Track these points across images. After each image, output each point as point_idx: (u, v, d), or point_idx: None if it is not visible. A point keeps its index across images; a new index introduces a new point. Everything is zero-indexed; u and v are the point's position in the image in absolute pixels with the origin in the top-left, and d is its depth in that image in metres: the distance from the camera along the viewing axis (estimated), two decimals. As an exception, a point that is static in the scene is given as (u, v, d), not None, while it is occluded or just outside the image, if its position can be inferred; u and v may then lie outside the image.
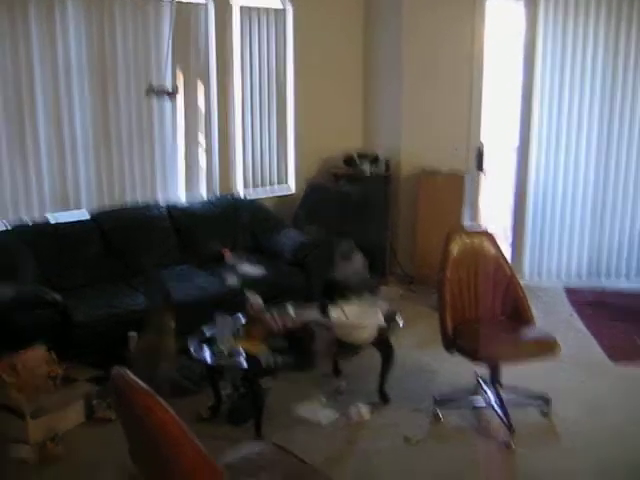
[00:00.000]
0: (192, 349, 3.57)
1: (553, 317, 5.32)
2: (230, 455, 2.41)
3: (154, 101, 5.31)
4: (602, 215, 6.23)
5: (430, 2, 6.07)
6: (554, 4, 5.90)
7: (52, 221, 4.86)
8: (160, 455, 1.84)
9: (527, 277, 6.33)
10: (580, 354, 4.65)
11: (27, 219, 4.77)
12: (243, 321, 3.75)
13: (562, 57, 5.98)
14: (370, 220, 6.06)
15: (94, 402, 3.71)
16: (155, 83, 5.12)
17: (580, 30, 5.91)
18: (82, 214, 5.03)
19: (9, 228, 4.61)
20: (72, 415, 3.62)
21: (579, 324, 5.31)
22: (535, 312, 3.98)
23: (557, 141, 6.14)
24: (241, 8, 5.78)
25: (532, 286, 5.97)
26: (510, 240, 6.48)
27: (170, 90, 5.13)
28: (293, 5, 6.06)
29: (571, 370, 4.37)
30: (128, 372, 1.91)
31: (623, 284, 6.22)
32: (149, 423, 1.78)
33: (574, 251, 6.34)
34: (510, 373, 3.88)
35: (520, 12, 6.01)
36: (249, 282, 4.73)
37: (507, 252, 6.29)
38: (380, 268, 6.17)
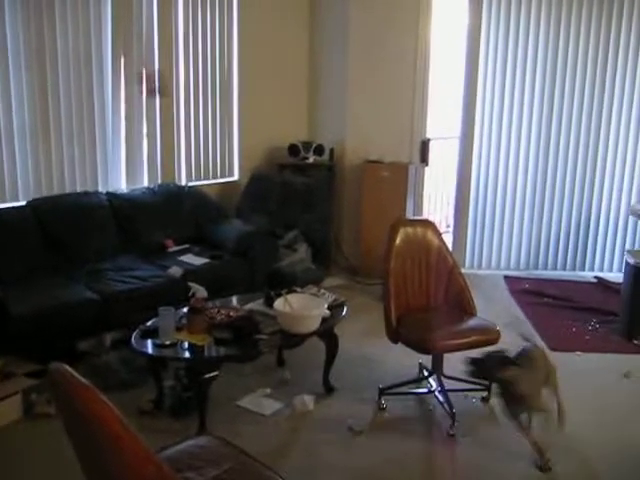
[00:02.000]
0: (134, 341, 3.49)
1: (495, 305, 5.43)
2: (173, 449, 2.37)
3: (94, 88, 5.17)
4: (540, 208, 6.38)
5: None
6: (497, -3, 6.00)
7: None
8: (101, 450, 1.79)
9: (467, 266, 6.44)
10: (519, 342, 4.73)
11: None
12: (186, 312, 3.68)
13: (504, 49, 6.10)
14: (314, 210, 6.05)
15: (33, 397, 3.60)
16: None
17: (522, 21, 6.03)
18: (18, 203, 4.87)
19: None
20: (9, 410, 3.50)
21: (518, 312, 5.42)
22: (477, 300, 4.04)
23: (498, 133, 6.26)
24: (187, -10, 5.68)
25: (472, 274, 6.08)
26: (452, 229, 6.59)
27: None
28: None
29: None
30: (66, 367, 1.84)
31: (559, 275, 6.40)
32: (88, 418, 1.73)
33: (513, 242, 6.48)
34: (453, 362, 3.95)
35: (464, 5, 6.07)
36: (192, 272, 4.68)
37: (449, 242, 6.42)
38: (325, 259, 6.18)
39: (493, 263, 6.55)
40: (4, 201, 4.83)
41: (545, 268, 6.50)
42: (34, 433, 3.45)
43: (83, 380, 1.77)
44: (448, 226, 7.16)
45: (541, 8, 5.97)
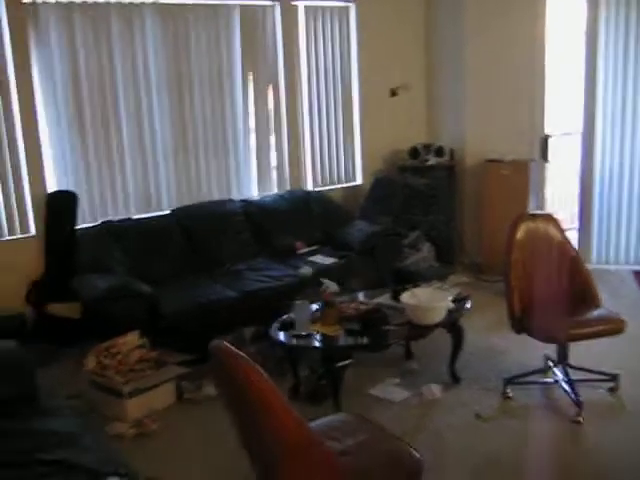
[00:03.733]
0: (273, 332, 3.81)
1: (621, 299, 5.36)
2: (314, 423, 2.64)
3: (226, 105, 5.61)
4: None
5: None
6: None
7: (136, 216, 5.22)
8: (257, 416, 2.07)
9: (595, 261, 6.36)
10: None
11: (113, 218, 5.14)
12: (319, 306, 3.97)
13: (625, 44, 5.97)
14: (437, 210, 6.22)
15: (183, 384, 4.01)
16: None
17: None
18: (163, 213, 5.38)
19: (97, 224, 4.98)
20: (164, 395, 3.92)
21: (647, 306, 5.34)
22: (603, 295, 4.07)
23: (622, 126, 6.13)
24: (305, 8, 6.02)
25: (600, 270, 6.02)
26: (577, 226, 6.52)
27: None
28: (356, 2, 6.26)
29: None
30: (225, 342, 2.15)
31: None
32: (247, 386, 2.01)
33: (643, 235, 6.33)
34: (580, 353, 4.01)
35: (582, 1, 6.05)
36: (322, 271, 4.97)
37: (574, 238, 6.38)
38: (448, 257, 6.32)
39: (622, 258, 6.42)
40: (150, 211, 5.35)
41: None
42: (187, 416, 3.85)
43: (241, 353, 2.07)
44: (574, 223, 7.08)
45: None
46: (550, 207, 6.88)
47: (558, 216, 6.65)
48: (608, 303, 4.11)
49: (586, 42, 6.08)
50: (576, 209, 6.57)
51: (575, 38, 6.28)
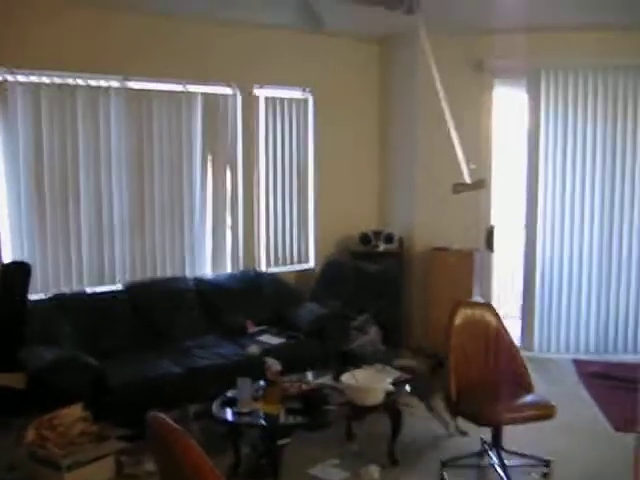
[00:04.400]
0: (215, 409, 3.88)
1: (559, 387, 5.54)
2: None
3: (184, 184, 5.81)
4: (607, 289, 6.51)
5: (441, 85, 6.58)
6: (554, 89, 6.37)
7: (88, 291, 5.29)
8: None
9: (537, 349, 6.58)
10: (583, 422, 4.86)
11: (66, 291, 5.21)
12: (262, 385, 4.06)
13: (564, 137, 6.40)
14: (385, 295, 6.40)
15: (123, 458, 4.01)
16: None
17: (579, 110, 6.35)
18: (116, 287, 5.47)
19: (49, 297, 5.04)
20: (104, 470, 3.92)
21: (584, 394, 5.52)
22: (542, 382, 4.26)
23: (561, 219, 6.49)
24: (266, 99, 6.33)
25: (541, 358, 6.26)
26: (520, 314, 6.77)
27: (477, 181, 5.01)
28: (313, 95, 6.61)
29: (574, 437, 4.57)
30: (162, 414, 2.24)
31: (630, 357, 6.44)
32: (185, 463, 2.09)
33: (582, 325, 6.59)
34: (516, 437, 4.15)
35: (524, 97, 6.48)
36: (269, 351, 5.06)
37: (517, 326, 6.61)
38: (395, 341, 6.46)
39: (562, 347, 6.65)
40: (103, 284, 5.44)
41: (615, 351, 6.55)
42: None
43: (177, 425, 2.16)
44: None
45: (597, 97, 6.30)
46: (496, 295, 7.14)
47: (502, 305, 6.96)
48: (546, 390, 4.30)
49: (528, 139, 6.49)
50: (518, 297, 6.83)
51: (519, 133, 6.69)
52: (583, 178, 6.43)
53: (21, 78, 5.01)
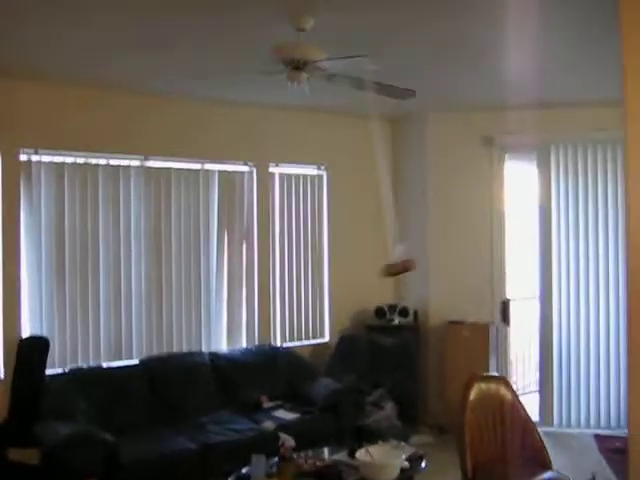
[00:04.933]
0: (229, 486, 3.85)
1: (580, 463, 5.41)
2: None
3: (201, 259, 5.92)
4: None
5: (452, 162, 6.71)
6: (564, 163, 6.47)
7: (105, 366, 5.34)
8: None
9: (556, 424, 6.46)
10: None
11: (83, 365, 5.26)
12: (276, 461, 4.03)
13: (575, 210, 6.44)
14: (400, 369, 6.37)
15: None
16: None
17: (589, 183, 6.42)
18: (132, 361, 5.51)
19: (66, 371, 5.09)
20: None
21: (607, 470, 5.39)
22: (562, 458, 4.20)
23: (576, 291, 6.46)
24: (280, 175, 6.50)
25: (561, 433, 6.14)
26: (538, 388, 6.68)
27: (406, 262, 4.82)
28: (327, 171, 6.78)
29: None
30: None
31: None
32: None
33: (602, 399, 6.47)
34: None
35: (534, 171, 6.59)
36: (284, 426, 5.03)
37: (535, 400, 6.53)
38: (411, 416, 6.39)
39: (582, 421, 6.52)
40: (120, 359, 5.49)
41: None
42: None
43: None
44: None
45: (606, 168, 6.39)
46: (512, 369, 7.08)
47: (520, 378, 6.89)
48: (566, 466, 4.22)
49: (539, 211, 6.56)
50: (535, 371, 6.76)
51: (531, 205, 6.76)
52: (596, 249, 6.45)
53: (45, 158, 5.21)
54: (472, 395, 4.19)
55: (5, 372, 5.02)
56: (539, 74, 5.16)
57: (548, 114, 6.15)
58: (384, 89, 4.21)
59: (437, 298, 6.75)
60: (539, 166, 6.56)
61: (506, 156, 6.69)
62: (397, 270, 4.80)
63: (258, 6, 3.61)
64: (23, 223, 5.15)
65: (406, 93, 4.14)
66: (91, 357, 5.39)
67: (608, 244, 6.42)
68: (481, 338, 6.29)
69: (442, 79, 5.17)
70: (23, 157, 5.13)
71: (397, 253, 4.84)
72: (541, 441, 4.16)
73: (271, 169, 6.40)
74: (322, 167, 6.75)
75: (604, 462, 5.63)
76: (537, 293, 6.64)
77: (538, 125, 6.30)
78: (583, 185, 6.47)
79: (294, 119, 6.43)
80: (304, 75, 3.74)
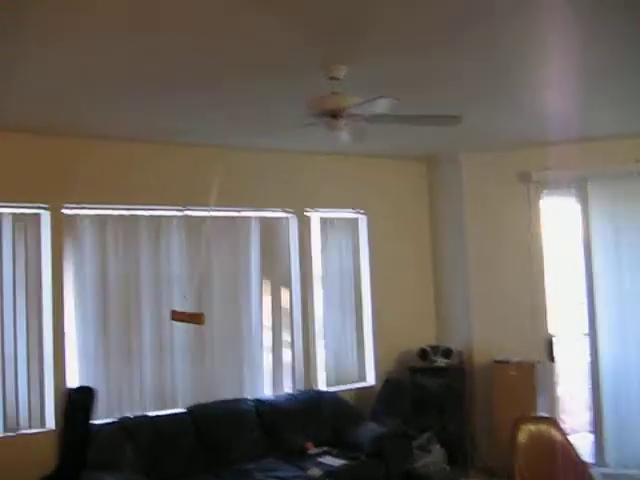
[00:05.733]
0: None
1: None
2: None
3: (242, 306, 5.96)
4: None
5: (489, 201, 6.69)
6: (602, 196, 6.39)
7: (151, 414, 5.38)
8: None
9: (612, 465, 6.24)
10: None
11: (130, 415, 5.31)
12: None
13: (617, 244, 6.34)
14: (447, 411, 6.29)
15: None
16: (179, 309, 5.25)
17: (631, 216, 6.32)
18: (178, 410, 5.55)
19: (113, 421, 5.15)
20: None
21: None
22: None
23: (624, 325, 6.32)
24: (320, 219, 6.56)
25: (618, 474, 5.95)
26: (590, 428, 6.50)
27: (193, 314, 5.11)
28: (365, 214, 6.81)
29: None
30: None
31: None
32: None
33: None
34: None
35: (573, 204, 6.52)
36: (331, 473, 4.99)
37: (588, 440, 6.34)
38: (460, 460, 6.27)
39: None
40: (165, 408, 5.52)
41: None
42: None
43: None
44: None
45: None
46: (562, 408, 6.91)
47: (570, 417, 6.71)
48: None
49: (582, 245, 6.46)
50: (587, 410, 6.58)
51: (572, 240, 6.67)
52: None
53: (89, 212, 5.35)
54: (521, 437, 4.11)
55: (55, 422, 5.09)
56: (577, 108, 5.15)
57: (585, 147, 6.12)
58: (427, 119, 4.25)
59: (480, 337, 6.66)
60: (578, 200, 6.49)
61: (544, 191, 6.65)
62: (182, 318, 5.01)
63: (291, 59, 3.70)
64: (69, 275, 5.28)
65: (451, 119, 4.14)
66: (137, 406, 5.43)
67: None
68: (528, 377, 6.18)
69: (477, 117, 5.19)
70: (68, 212, 5.27)
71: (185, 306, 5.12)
72: (595, 484, 4.04)
73: (309, 214, 6.46)
74: (360, 210, 6.79)
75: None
76: (584, 329, 6.51)
77: (575, 159, 6.27)
78: (625, 217, 6.37)
79: (331, 164, 6.50)
80: (342, 122, 3.79)
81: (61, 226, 5.24)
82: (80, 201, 5.30)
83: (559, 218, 6.86)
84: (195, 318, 5.00)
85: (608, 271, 6.40)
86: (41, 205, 5.18)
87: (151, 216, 5.64)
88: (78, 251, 5.32)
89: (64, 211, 5.26)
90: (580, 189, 6.48)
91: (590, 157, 6.26)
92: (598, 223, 6.43)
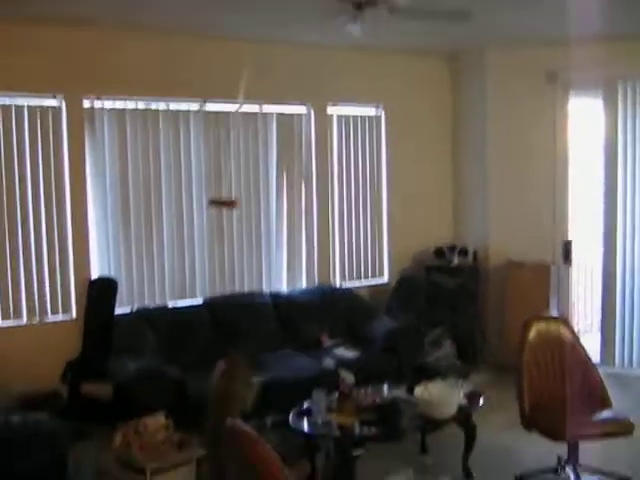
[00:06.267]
0: (291, 419, 4.00)
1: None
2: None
3: (261, 201, 6.00)
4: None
5: (514, 100, 6.54)
6: (632, 99, 6.23)
7: (170, 306, 5.53)
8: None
9: (618, 365, 6.40)
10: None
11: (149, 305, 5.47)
12: (337, 397, 4.15)
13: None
14: (460, 309, 6.41)
15: (204, 465, 4.17)
16: (215, 195, 5.64)
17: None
18: (196, 300, 5.70)
19: (134, 311, 5.30)
20: (185, 476, 4.08)
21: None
22: (622, 398, 4.20)
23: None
24: (338, 117, 6.47)
25: (623, 374, 6.11)
26: (600, 328, 6.62)
27: (229, 200, 5.57)
28: (385, 111, 6.71)
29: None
30: (238, 421, 2.37)
31: None
32: (262, 471, 2.20)
33: (666, 340, 6.38)
34: (592, 454, 4.10)
35: (599, 107, 6.37)
36: (344, 364, 5.14)
37: (596, 341, 6.47)
38: (471, 356, 6.44)
39: (646, 361, 6.45)
40: (184, 298, 5.67)
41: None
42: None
43: (251, 430, 2.28)
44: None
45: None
46: (574, 310, 7.01)
47: (582, 319, 6.82)
48: (626, 407, 4.23)
49: (605, 149, 6.37)
50: (598, 312, 6.68)
51: (595, 143, 6.57)
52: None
53: (107, 104, 5.32)
54: (532, 335, 4.20)
55: (77, 312, 5.25)
56: (607, 3, 4.93)
57: (615, 47, 5.90)
58: (435, 14, 4.12)
59: (497, 238, 6.69)
60: (605, 102, 6.33)
61: (571, 92, 6.48)
62: (218, 202, 5.38)
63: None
64: (89, 167, 5.31)
65: (460, 15, 4.01)
66: (157, 296, 5.58)
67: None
68: (542, 279, 6.24)
69: (504, 10, 4.99)
70: (86, 103, 5.24)
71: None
72: (601, 381, 4.15)
73: (329, 110, 6.37)
74: (380, 106, 6.68)
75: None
76: (601, 234, 6.51)
77: (605, 59, 6.06)
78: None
79: (351, 59, 6.34)
80: (365, 13, 3.69)
81: (79, 118, 5.23)
82: (100, 93, 5.25)
83: (586, 121, 6.72)
84: (230, 204, 5.34)
85: (630, 176, 6.32)
86: (59, 96, 5.14)
87: (170, 110, 5.59)
88: (97, 144, 5.32)
89: (82, 103, 5.22)
90: (608, 90, 6.30)
91: (619, 57, 6.05)
92: (625, 127, 6.29)
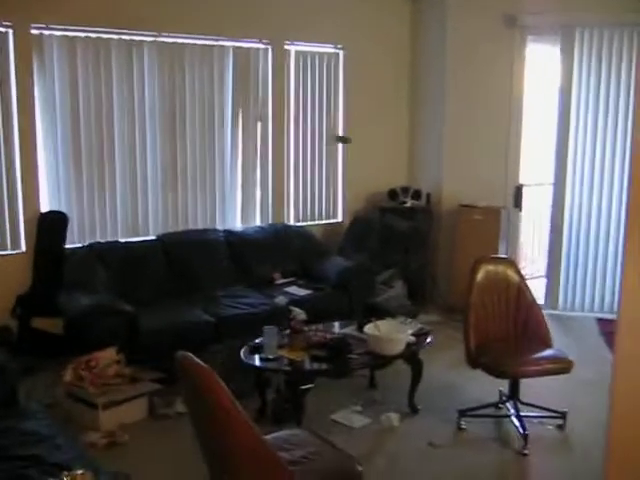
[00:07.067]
0: (243, 355, 4.06)
1: (581, 344, 5.63)
2: (271, 436, 2.87)
3: (215, 138, 5.93)
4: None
5: (472, 43, 6.54)
6: (588, 47, 6.29)
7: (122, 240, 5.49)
8: (213, 420, 2.31)
9: (561, 308, 6.63)
10: (602, 378, 4.91)
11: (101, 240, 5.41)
12: (288, 333, 4.22)
13: (596, 97, 6.33)
14: (412, 250, 6.50)
15: (155, 399, 4.23)
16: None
17: (613, 69, 6.26)
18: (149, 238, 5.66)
19: (85, 245, 5.25)
20: (137, 410, 4.14)
21: (606, 352, 5.59)
22: (563, 339, 4.37)
23: (591, 178, 6.46)
24: (296, 52, 6.38)
25: (565, 316, 6.34)
26: (545, 272, 6.82)
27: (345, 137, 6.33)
28: (344, 49, 6.64)
29: (591, 392, 4.66)
30: (189, 354, 2.40)
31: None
32: (205, 390, 2.26)
33: (607, 284, 6.60)
34: (532, 391, 4.28)
35: (556, 54, 6.41)
36: (296, 302, 5.21)
37: (542, 285, 6.68)
38: (420, 296, 6.58)
39: (587, 305, 6.69)
40: (137, 235, 5.62)
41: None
42: (157, 430, 4.07)
43: (202, 363, 2.31)
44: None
45: (632, 56, 6.21)
46: (522, 254, 7.19)
47: (529, 264, 6.99)
48: (567, 346, 4.41)
49: (559, 96, 6.44)
50: (544, 256, 6.87)
51: (550, 91, 6.64)
52: (614, 137, 6.37)
53: (57, 33, 5.13)
54: (479, 276, 4.30)
55: (27, 245, 5.17)
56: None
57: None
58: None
59: (450, 182, 6.77)
60: (562, 49, 6.37)
61: (529, 38, 6.50)
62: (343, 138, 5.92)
63: None
64: (38, 99, 5.14)
65: None
66: (109, 233, 5.52)
67: (626, 133, 6.33)
68: (492, 222, 6.36)
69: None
70: (35, 32, 5.04)
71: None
72: (544, 322, 4.30)
73: (287, 47, 6.27)
74: (339, 46, 6.60)
75: (603, 343, 5.84)
76: (551, 179, 6.64)
77: (564, 6, 6.08)
78: (606, 71, 6.30)
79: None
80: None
81: (27, 46, 5.03)
82: (49, 21, 5.05)
83: (543, 67, 6.77)
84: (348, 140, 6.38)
85: (582, 123, 6.42)
86: (5, 23, 4.94)
87: (123, 40, 5.42)
88: (47, 73, 5.14)
89: (30, 31, 5.03)
90: (566, 37, 6.33)
91: (579, 4, 6.08)
92: (580, 74, 6.36)
